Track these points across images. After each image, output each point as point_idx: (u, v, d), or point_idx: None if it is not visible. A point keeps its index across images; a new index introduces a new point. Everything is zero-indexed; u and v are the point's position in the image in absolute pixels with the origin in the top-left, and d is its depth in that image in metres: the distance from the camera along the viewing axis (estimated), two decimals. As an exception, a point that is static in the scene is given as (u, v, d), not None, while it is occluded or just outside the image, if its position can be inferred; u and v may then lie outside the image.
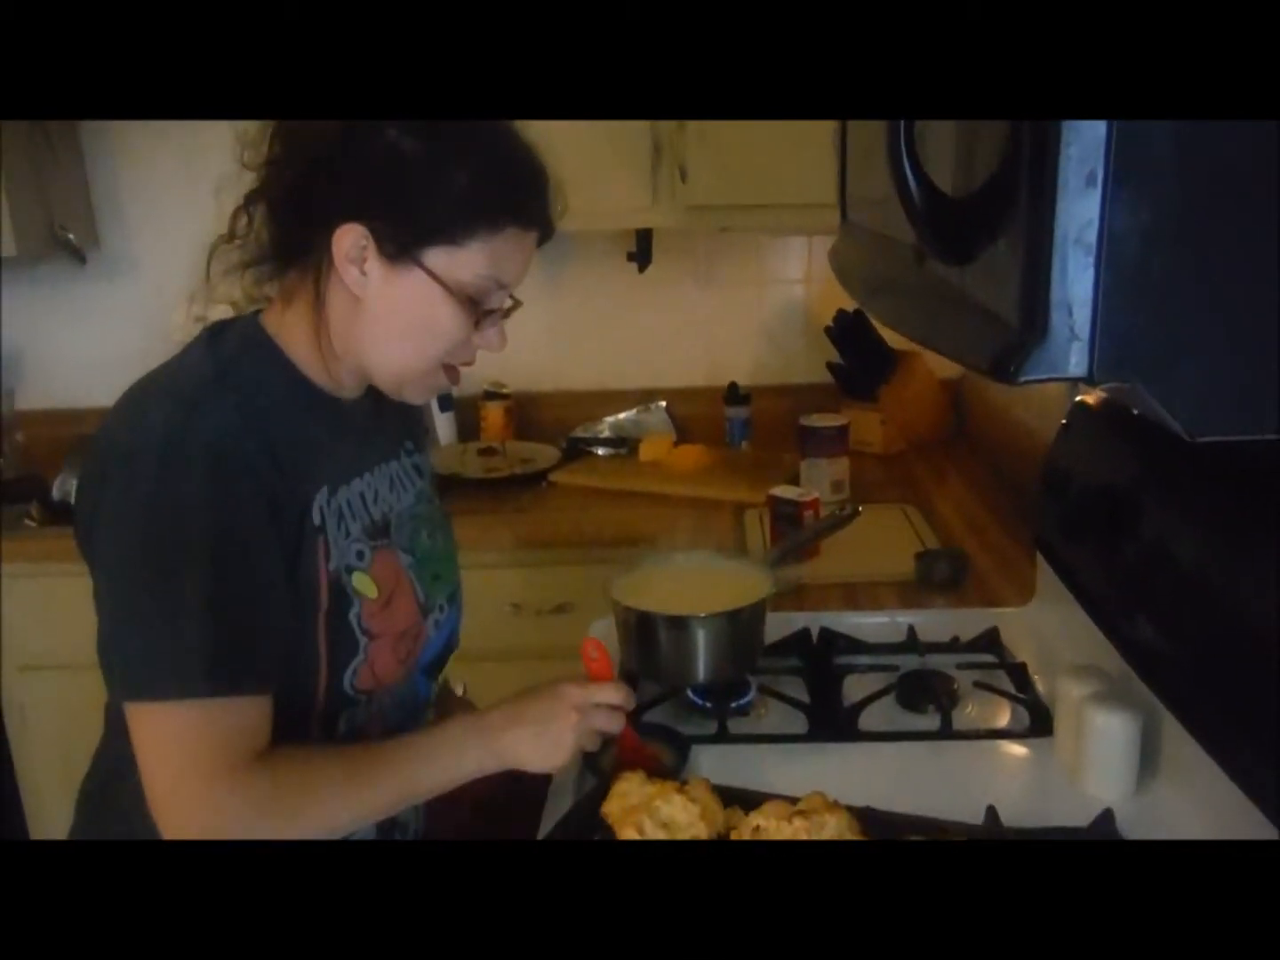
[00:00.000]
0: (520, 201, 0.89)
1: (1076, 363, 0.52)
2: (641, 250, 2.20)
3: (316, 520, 0.91)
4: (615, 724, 0.97)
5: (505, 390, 2.32)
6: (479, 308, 0.90)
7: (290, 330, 0.93)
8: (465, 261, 0.87)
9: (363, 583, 0.94)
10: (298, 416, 0.92)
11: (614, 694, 0.97)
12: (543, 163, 0.92)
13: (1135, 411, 0.57)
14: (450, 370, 0.94)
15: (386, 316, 0.88)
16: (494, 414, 2.31)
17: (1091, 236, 0.50)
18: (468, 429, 2.32)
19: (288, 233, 0.90)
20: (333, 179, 0.86)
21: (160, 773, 0.83)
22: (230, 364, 0.90)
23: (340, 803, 0.87)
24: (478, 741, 0.92)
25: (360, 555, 0.95)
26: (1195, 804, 0.95)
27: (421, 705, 1.06)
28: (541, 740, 0.92)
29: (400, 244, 0.86)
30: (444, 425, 2.29)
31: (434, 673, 1.06)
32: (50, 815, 2.04)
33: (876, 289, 0.90)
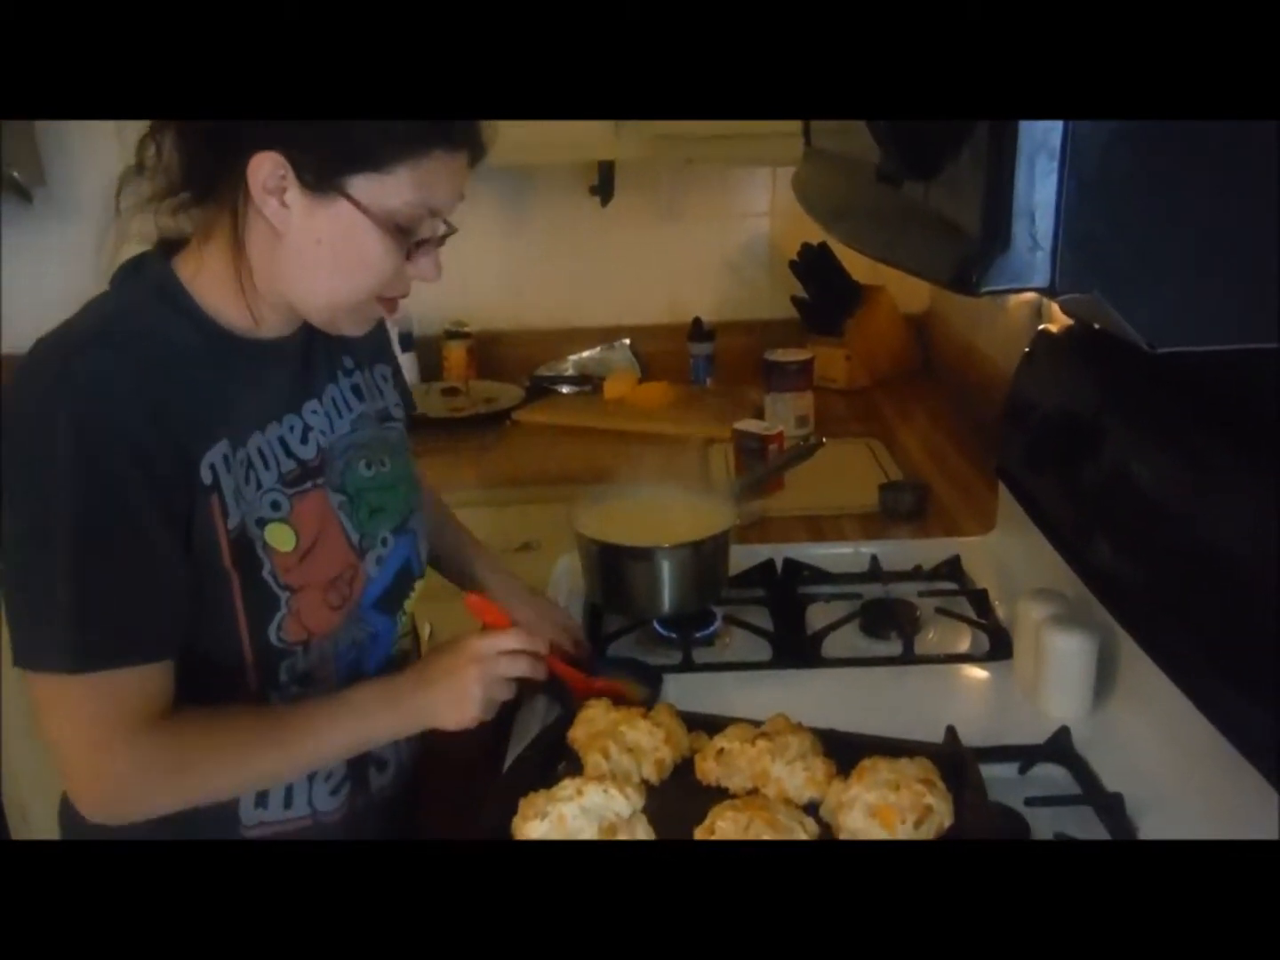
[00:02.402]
0: (446, 121, 0.84)
1: (1039, 272, 0.52)
2: (604, 184, 2.16)
3: (207, 479, 0.85)
4: (523, 668, 0.94)
5: (467, 329, 2.29)
6: (410, 237, 0.85)
7: (208, 270, 0.87)
8: (392, 188, 0.82)
9: (277, 535, 0.89)
10: (199, 367, 0.86)
11: (512, 639, 0.94)
12: None
13: (1097, 327, 0.57)
14: (386, 302, 0.90)
15: (311, 250, 0.83)
16: (456, 353, 2.28)
17: (1055, 141, 0.49)
18: (430, 369, 2.29)
19: (199, 162, 0.84)
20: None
21: (59, 743, 0.82)
22: (122, 316, 0.86)
23: (244, 765, 0.87)
24: (384, 706, 0.91)
25: (275, 505, 0.90)
26: (1150, 721, 0.97)
27: (384, 641, 1.02)
28: (449, 696, 0.91)
29: (321, 172, 0.81)
30: (406, 365, 2.25)
31: (391, 607, 1.02)
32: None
33: (840, 212, 0.89)
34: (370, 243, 0.83)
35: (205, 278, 0.87)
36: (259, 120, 0.78)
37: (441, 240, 0.88)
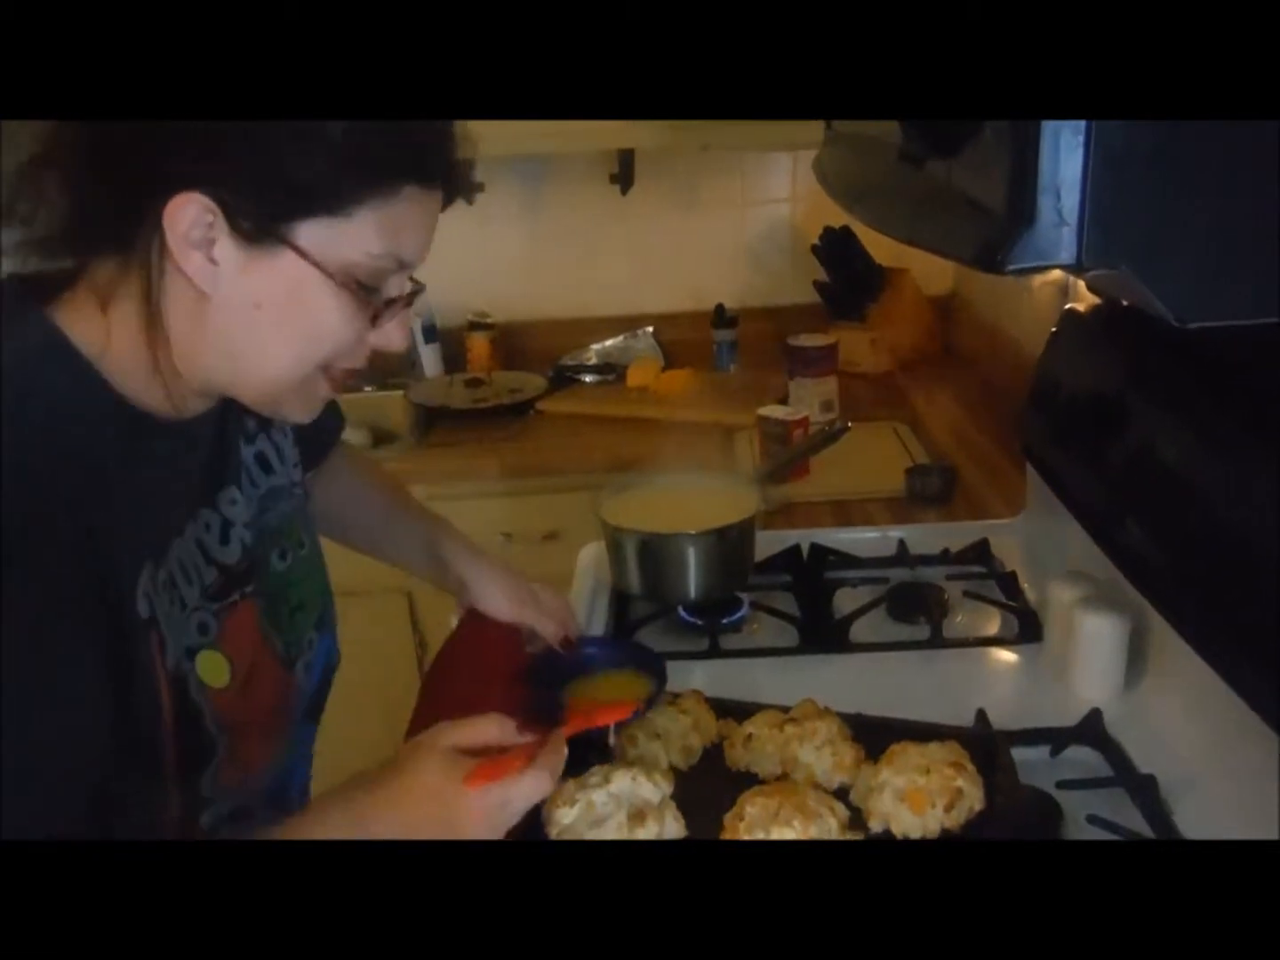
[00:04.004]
0: (420, 151, 0.67)
1: (1065, 249, 0.51)
2: (624, 172, 2.15)
3: (144, 610, 0.67)
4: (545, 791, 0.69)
5: (489, 320, 2.29)
6: (373, 296, 0.68)
7: (111, 342, 0.67)
8: (352, 236, 0.65)
9: (209, 667, 0.72)
10: (108, 456, 0.67)
11: (537, 793, 0.68)
12: None
13: (1125, 303, 0.56)
14: (335, 376, 0.72)
15: (247, 316, 0.66)
16: (479, 344, 2.29)
17: (1080, 115, 0.49)
18: (453, 360, 2.30)
19: (95, 206, 0.65)
20: (158, 132, 0.61)
21: None
22: (9, 383, 0.64)
23: None
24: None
25: (203, 628, 0.73)
26: (1181, 702, 0.96)
27: (307, 753, 0.87)
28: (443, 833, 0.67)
29: (261, 217, 0.63)
30: (429, 357, 2.27)
31: (317, 713, 0.87)
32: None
33: (862, 194, 0.89)
34: (324, 305, 0.66)
35: (111, 352, 0.67)
36: (178, 151, 0.61)
37: (410, 300, 0.72)
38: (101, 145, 0.64)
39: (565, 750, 0.70)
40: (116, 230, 0.65)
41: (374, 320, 0.69)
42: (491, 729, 0.70)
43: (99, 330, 0.67)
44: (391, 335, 0.71)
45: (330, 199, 0.64)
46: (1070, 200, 0.50)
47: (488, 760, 0.67)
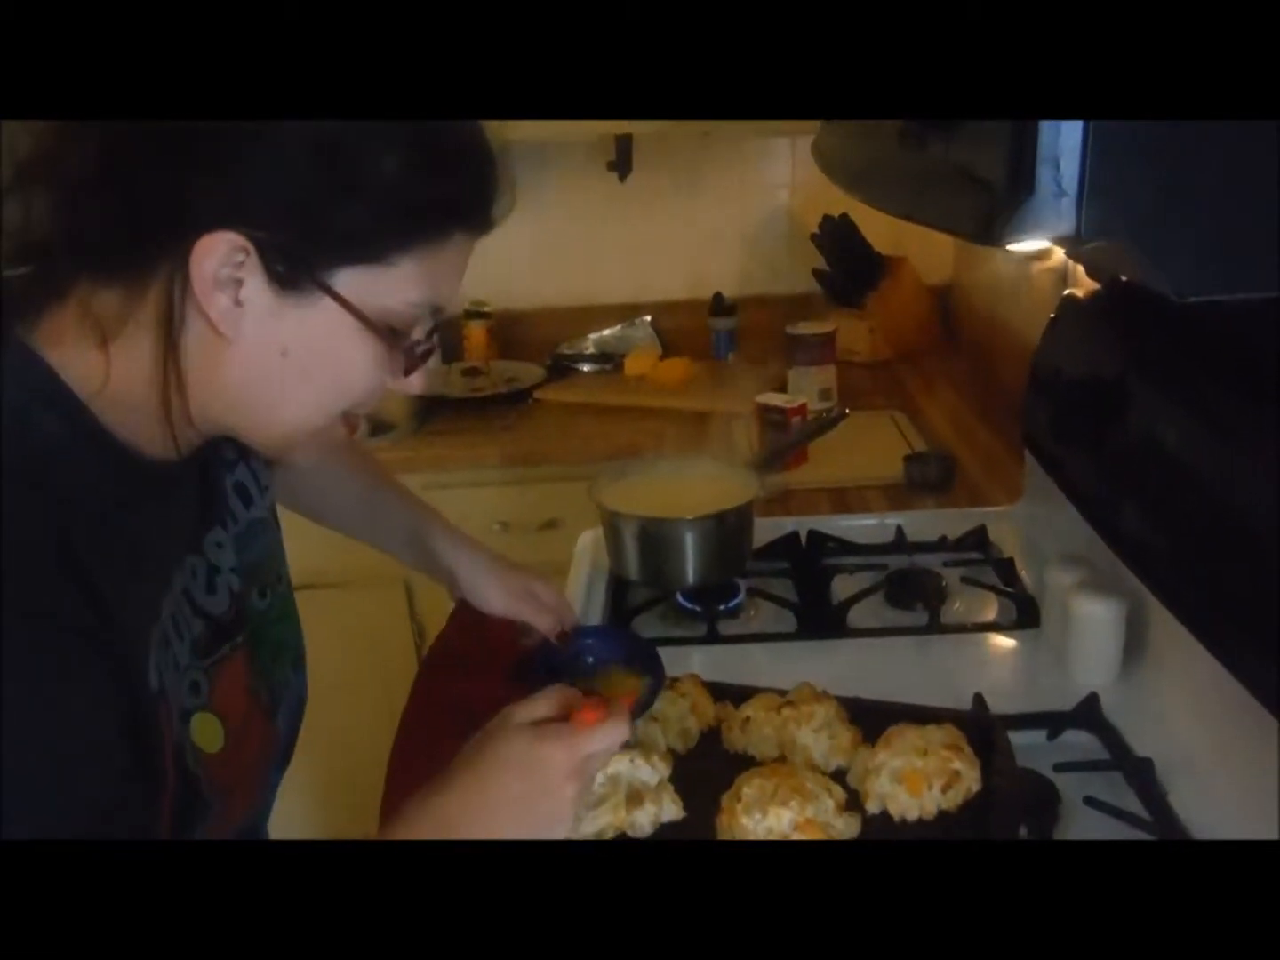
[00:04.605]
0: (472, 197, 0.64)
1: (1064, 220, 0.50)
2: (621, 158, 2.14)
3: (155, 682, 0.62)
4: (609, 757, 0.72)
5: (487, 309, 2.28)
6: (403, 343, 0.64)
7: (110, 380, 0.61)
8: (394, 285, 0.61)
9: (204, 731, 0.67)
10: (112, 511, 0.62)
11: (615, 735, 0.69)
12: (489, 141, 0.65)
13: (1124, 287, 0.56)
14: (350, 420, 0.69)
15: (272, 364, 0.61)
16: (476, 333, 2.28)
17: (1080, 84, 0.48)
18: (450, 349, 2.29)
19: (104, 227, 0.59)
20: (190, 159, 0.57)
21: None
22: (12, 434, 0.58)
23: None
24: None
25: (195, 688, 0.67)
26: (1179, 687, 0.96)
27: (275, 792, 0.82)
28: (532, 827, 0.67)
29: (300, 262, 0.59)
30: (427, 346, 2.26)
31: (290, 754, 0.82)
32: None
33: (861, 175, 0.88)
34: (357, 353, 0.62)
35: (111, 392, 0.61)
36: (211, 185, 0.57)
37: (433, 345, 0.68)
38: (122, 164, 0.58)
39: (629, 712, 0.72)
40: (129, 259, 0.59)
41: (406, 370, 0.66)
42: (560, 698, 0.71)
43: (94, 368, 0.60)
44: (414, 381, 0.68)
45: (375, 246, 0.60)
46: (1070, 171, 0.50)
47: (574, 715, 0.69)
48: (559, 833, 0.69)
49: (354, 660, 1.95)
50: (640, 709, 0.88)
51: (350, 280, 0.60)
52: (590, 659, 0.98)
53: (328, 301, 0.60)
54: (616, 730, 0.68)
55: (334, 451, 1.01)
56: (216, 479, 0.76)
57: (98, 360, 0.60)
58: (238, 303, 0.59)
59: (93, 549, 0.58)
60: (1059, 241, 0.53)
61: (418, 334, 0.66)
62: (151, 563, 0.65)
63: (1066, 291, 1.25)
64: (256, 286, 0.59)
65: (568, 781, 0.66)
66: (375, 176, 0.59)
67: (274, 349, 0.61)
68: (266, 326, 0.60)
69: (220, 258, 0.57)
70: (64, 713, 0.55)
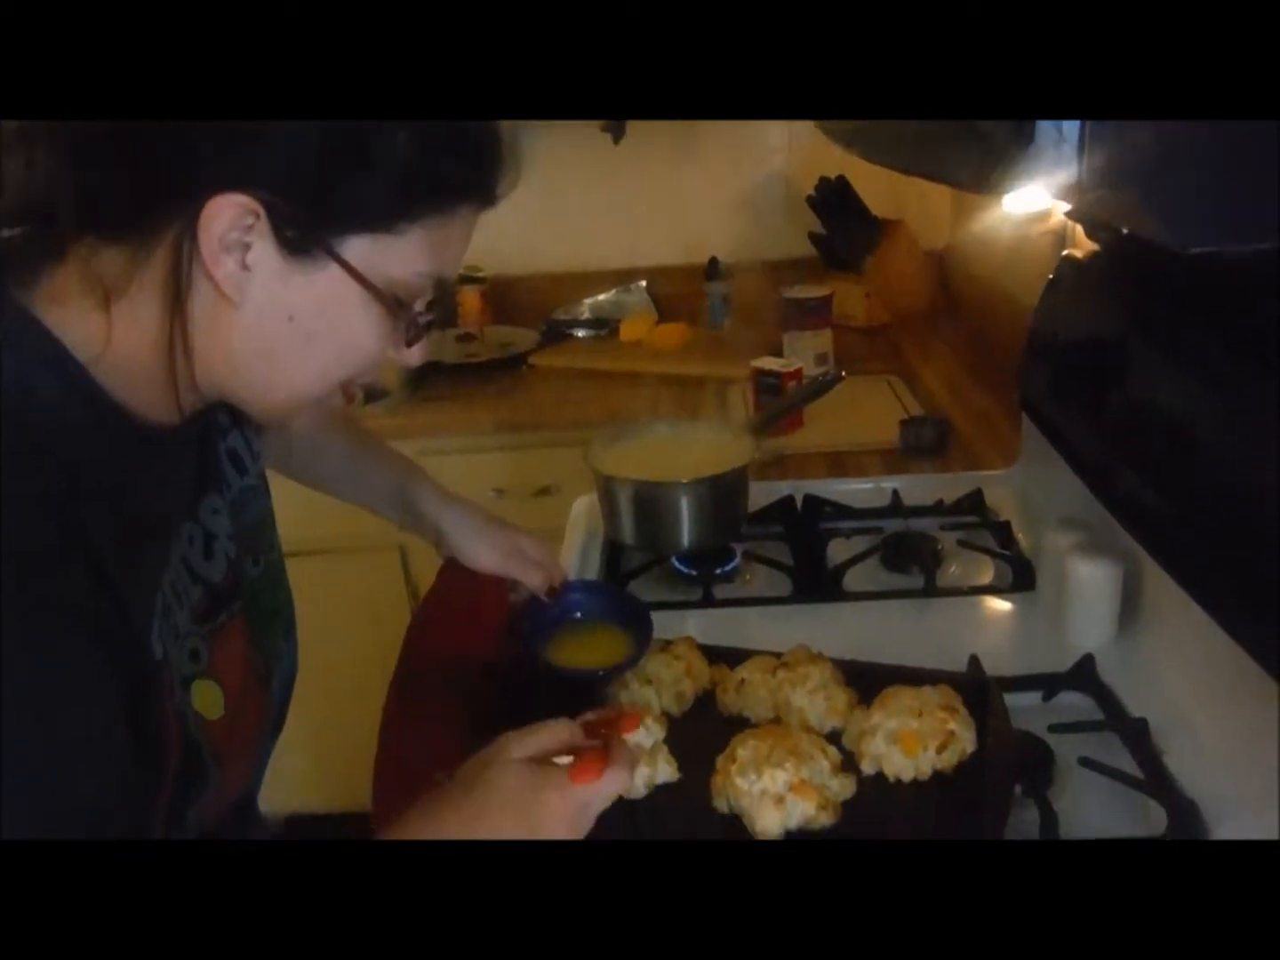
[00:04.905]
0: (481, 171, 0.65)
1: (1065, 168, 0.49)
2: (615, 121, 2.12)
3: (158, 651, 0.62)
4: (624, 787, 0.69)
5: (481, 274, 2.27)
6: (408, 313, 0.65)
7: (112, 343, 0.60)
8: (402, 254, 0.62)
9: (205, 698, 0.67)
10: (114, 477, 0.61)
11: (616, 789, 0.67)
12: None
13: (1122, 245, 0.55)
14: (349, 390, 0.70)
15: (278, 329, 0.62)
16: (470, 299, 2.26)
17: (1082, 28, 0.47)
18: (444, 315, 2.28)
19: (111, 197, 0.58)
20: (204, 127, 0.56)
21: None
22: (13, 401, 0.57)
23: None
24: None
25: (195, 656, 0.67)
26: (1175, 648, 0.96)
27: (265, 766, 0.81)
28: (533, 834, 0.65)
29: (311, 228, 0.59)
30: (420, 312, 2.25)
31: (280, 725, 0.81)
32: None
33: (859, 129, 0.87)
34: (361, 322, 0.63)
35: (113, 355, 0.60)
36: (227, 146, 0.56)
37: (434, 316, 0.68)
38: (133, 130, 0.57)
39: (632, 752, 0.69)
40: (136, 219, 0.58)
41: (409, 341, 0.66)
42: (559, 735, 0.69)
43: (95, 329, 0.59)
44: (414, 352, 0.68)
45: (387, 214, 0.60)
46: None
47: (573, 764, 0.66)
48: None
49: (350, 625, 1.96)
50: (629, 663, 0.89)
51: (358, 248, 0.60)
52: (579, 614, 0.98)
53: (335, 269, 0.60)
54: (616, 782, 0.66)
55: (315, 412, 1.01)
56: (213, 446, 0.75)
57: (100, 322, 0.60)
58: (245, 266, 0.59)
59: (96, 516, 0.57)
60: (1060, 194, 0.52)
61: (420, 305, 0.66)
62: (152, 530, 0.65)
63: (1065, 252, 1.23)
64: (265, 251, 0.59)
65: (564, 831, 0.65)
66: (388, 148, 0.59)
67: (280, 314, 0.61)
68: (273, 291, 0.60)
69: (230, 220, 0.57)
70: (65, 693, 0.54)
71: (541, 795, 0.65)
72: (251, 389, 0.65)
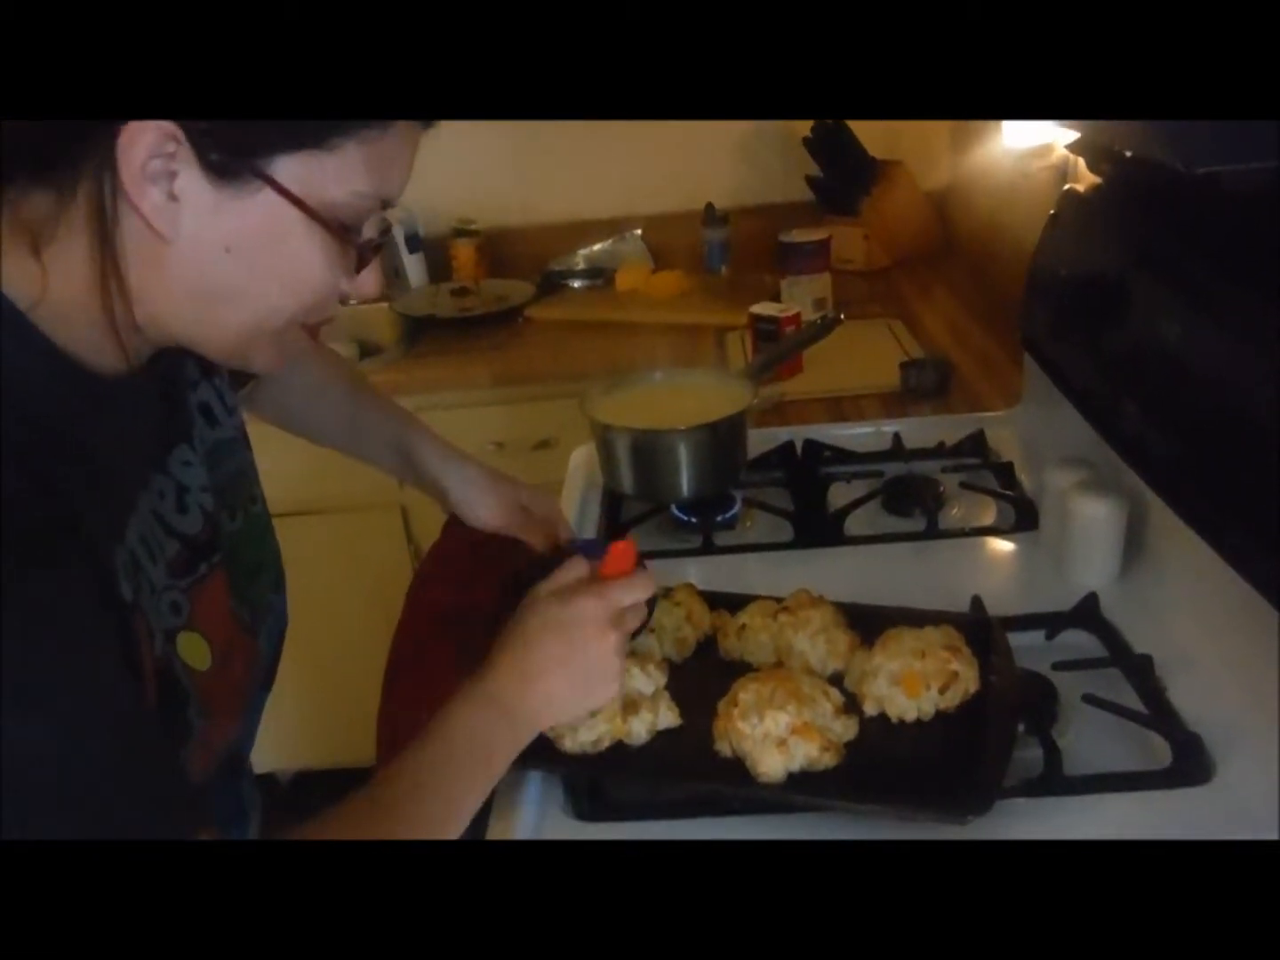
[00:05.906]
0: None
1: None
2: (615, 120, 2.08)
3: (128, 593, 0.60)
4: (641, 616, 0.76)
5: (474, 227, 2.24)
6: (355, 238, 0.62)
7: (48, 291, 0.57)
8: (338, 173, 0.58)
9: (191, 649, 0.66)
10: (64, 425, 0.59)
11: (642, 588, 0.71)
12: None
13: (1129, 154, 0.53)
14: (310, 326, 0.67)
15: (217, 262, 0.58)
16: (464, 252, 2.24)
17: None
18: (438, 269, 2.25)
19: (21, 134, 0.56)
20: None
21: None
22: None
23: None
24: (495, 731, 0.69)
25: (176, 608, 0.66)
26: (1179, 585, 0.95)
27: (258, 720, 0.80)
28: (584, 683, 0.71)
29: (235, 149, 0.56)
30: (414, 267, 2.22)
31: (271, 679, 0.80)
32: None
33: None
34: (305, 248, 0.59)
35: (50, 303, 0.58)
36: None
37: (380, 246, 0.66)
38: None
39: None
40: (49, 159, 0.56)
41: (357, 267, 0.63)
42: (578, 568, 0.75)
43: (30, 277, 0.57)
44: (366, 281, 0.65)
45: (317, 130, 0.57)
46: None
47: (603, 560, 0.73)
48: (611, 688, 0.74)
49: (351, 583, 1.96)
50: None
51: (290, 168, 0.57)
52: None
53: (269, 193, 0.57)
54: (643, 582, 0.71)
55: (313, 364, 1.00)
56: (179, 398, 0.73)
57: (34, 270, 0.57)
58: (172, 197, 0.56)
59: (60, 466, 0.56)
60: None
61: (369, 231, 0.63)
62: (111, 480, 0.62)
63: (1066, 186, 1.21)
64: (191, 178, 0.55)
65: (606, 632, 0.70)
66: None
67: (216, 246, 0.58)
68: (206, 222, 0.57)
69: (149, 147, 0.54)
70: (64, 641, 0.52)
71: (576, 606, 0.70)
72: (200, 327, 0.62)
